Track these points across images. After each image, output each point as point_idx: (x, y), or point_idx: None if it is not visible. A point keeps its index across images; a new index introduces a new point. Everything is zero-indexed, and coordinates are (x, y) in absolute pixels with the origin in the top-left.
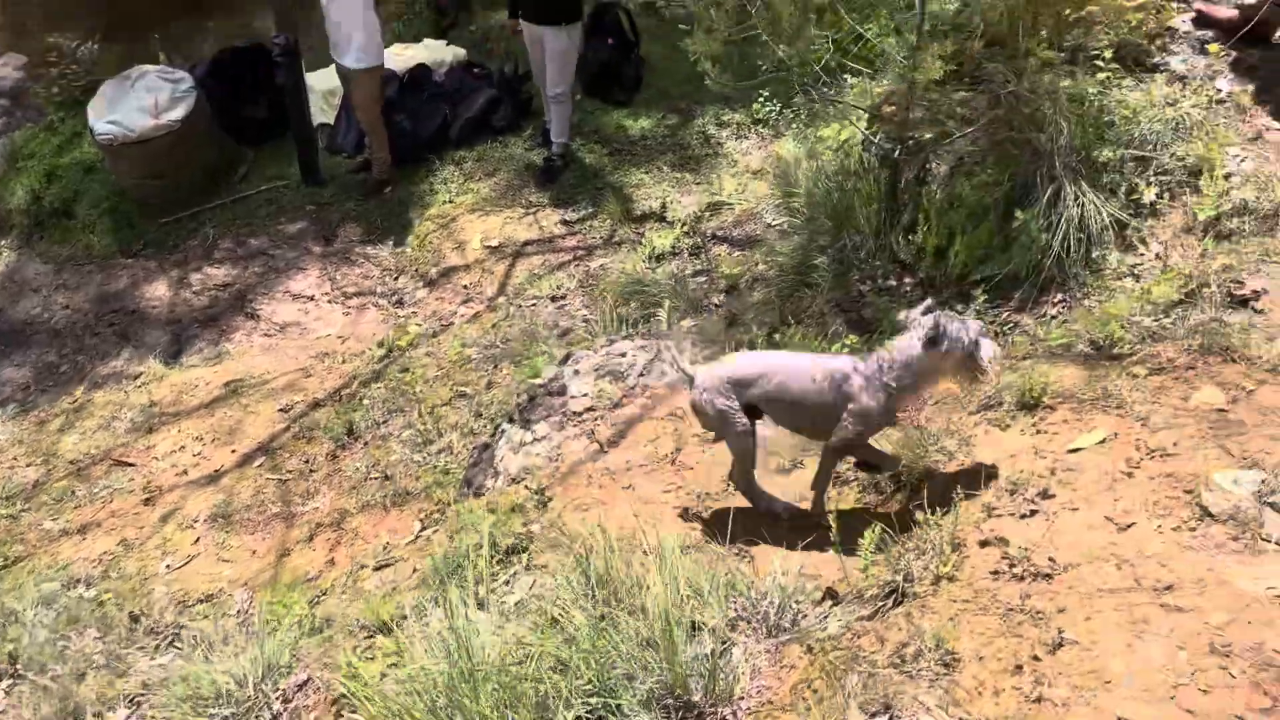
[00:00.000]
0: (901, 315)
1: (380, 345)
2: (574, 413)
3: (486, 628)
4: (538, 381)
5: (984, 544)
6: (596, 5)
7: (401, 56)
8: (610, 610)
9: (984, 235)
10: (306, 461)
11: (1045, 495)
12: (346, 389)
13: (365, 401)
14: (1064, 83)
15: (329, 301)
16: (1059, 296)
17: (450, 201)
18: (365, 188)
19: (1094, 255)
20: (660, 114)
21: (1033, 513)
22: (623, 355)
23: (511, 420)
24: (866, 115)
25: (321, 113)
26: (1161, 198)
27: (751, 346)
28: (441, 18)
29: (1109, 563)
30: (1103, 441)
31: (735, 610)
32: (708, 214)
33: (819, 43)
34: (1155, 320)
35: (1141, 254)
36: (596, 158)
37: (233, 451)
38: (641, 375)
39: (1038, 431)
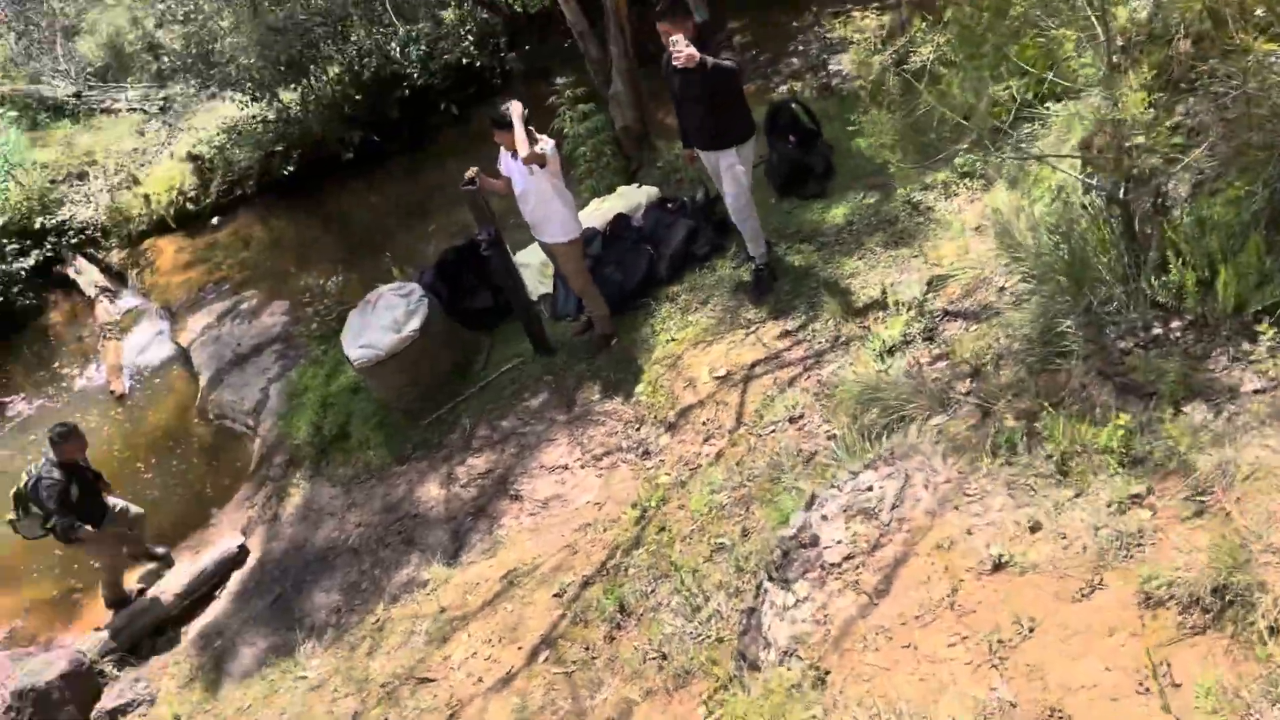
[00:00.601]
0: None
1: (634, 507)
2: (831, 564)
3: None
4: (788, 534)
5: None
6: (770, 106)
7: (599, 210)
8: None
9: (1252, 257)
10: (587, 648)
11: None
12: (611, 560)
13: (630, 571)
14: None
15: (581, 467)
16: None
17: (672, 339)
18: (592, 346)
19: None
20: (859, 195)
21: None
22: (869, 489)
23: (771, 579)
24: (1078, 157)
25: (541, 285)
26: None
27: (1011, 445)
28: (629, 163)
29: None
30: None
31: None
32: (932, 291)
33: (1003, 96)
34: None
35: None
36: (804, 257)
37: (519, 649)
38: (894, 508)
39: None
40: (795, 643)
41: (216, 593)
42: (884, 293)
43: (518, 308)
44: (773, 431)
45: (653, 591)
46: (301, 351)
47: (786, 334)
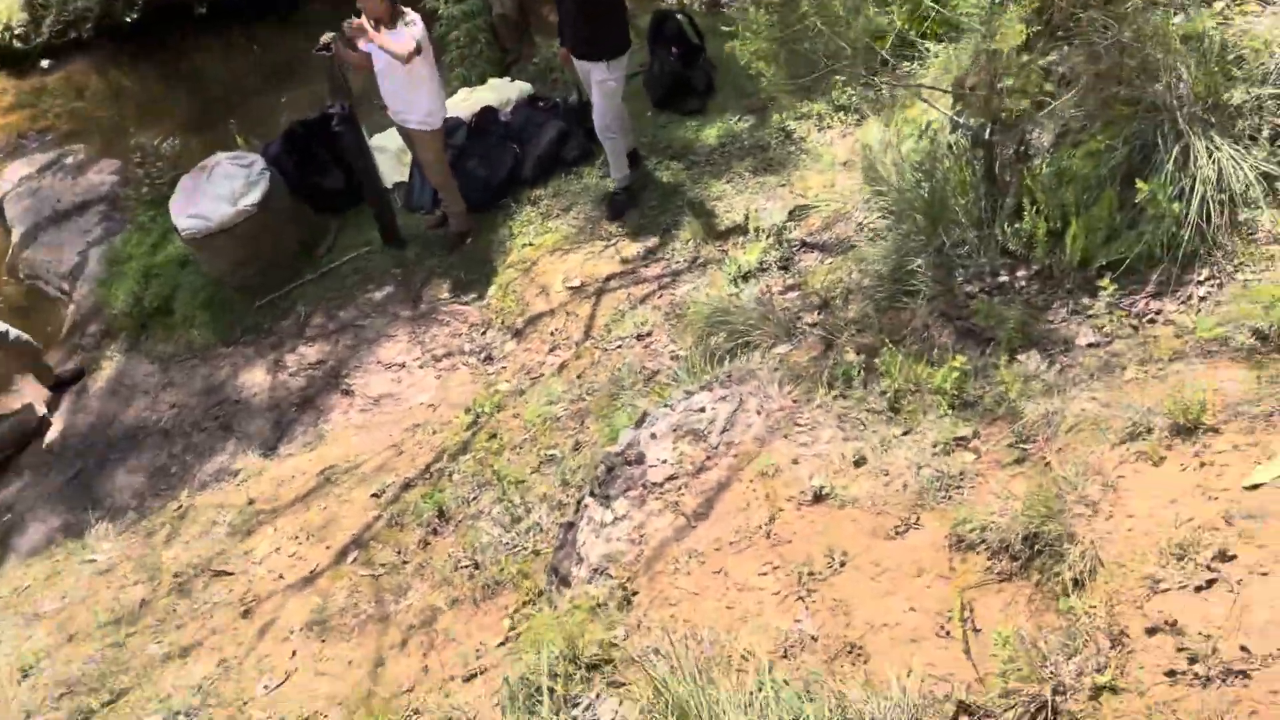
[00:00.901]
0: None
1: (467, 411)
2: (654, 484)
3: None
4: (615, 450)
5: (1152, 632)
6: (655, 14)
7: (468, 101)
8: None
9: (1103, 212)
10: (399, 552)
11: (1224, 556)
12: (436, 464)
13: (455, 477)
14: (1174, 19)
15: (420, 366)
16: (1205, 273)
17: (530, 244)
18: (446, 242)
19: (1241, 219)
20: (735, 117)
21: (1210, 583)
22: (701, 410)
23: (593, 494)
24: (950, 94)
25: (397, 172)
26: None
27: (848, 378)
28: (504, 55)
29: None
30: None
31: None
32: (793, 220)
33: (884, 20)
34: None
35: None
36: (673, 175)
37: (327, 548)
38: (724, 432)
39: (1202, 464)
40: (608, 561)
41: (12, 465)
42: (747, 218)
43: (369, 193)
44: (619, 347)
45: (475, 499)
46: (128, 215)
47: (646, 251)
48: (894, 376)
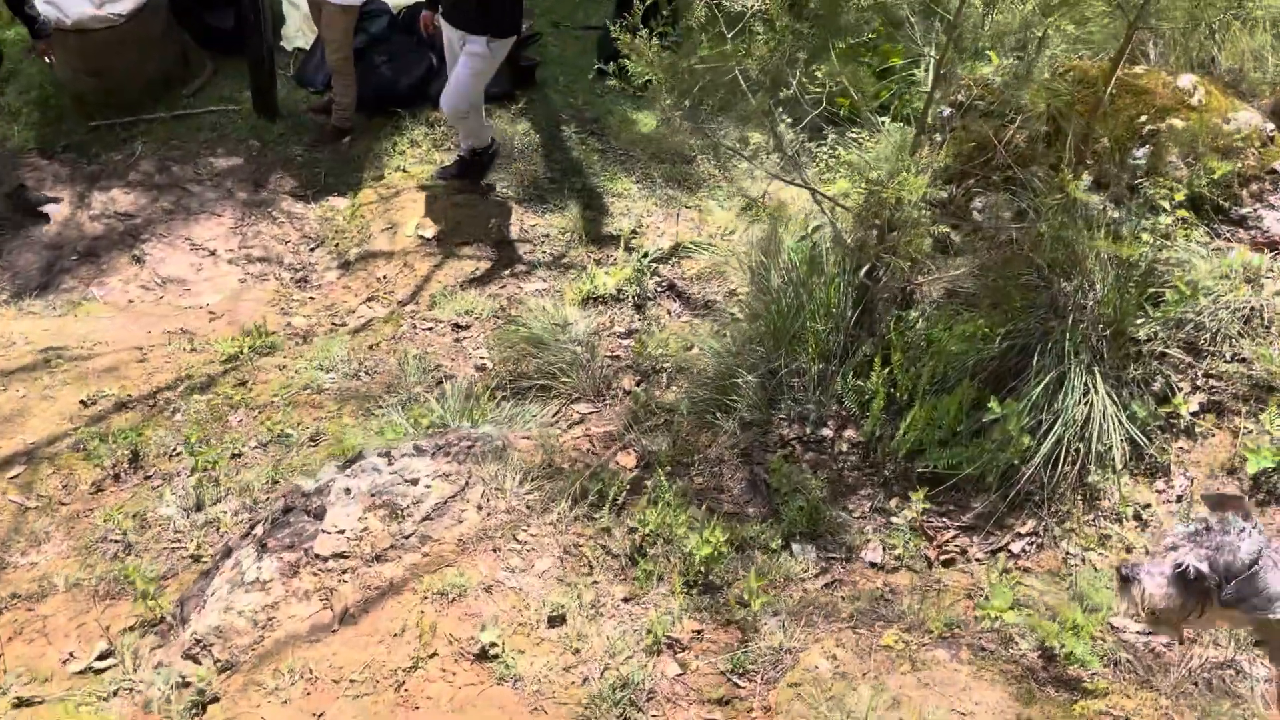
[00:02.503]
0: None
1: (233, 341)
2: (318, 555)
3: None
4: (309, 487)
5: None
6: None
7: None
8: None
9: (951, 409)
10: (65, 487)
11: None
12: (167, 391)
13: (177, 416)
14: (1111, 215)
15: (229, 261)
16: (1030, 526)
17: (404, 170)
18: (321, 133)
19: (1091, 479)
20: (679, 110)
21: None
22: (414, 482)
23: (259, 532)
24: (843, 208)
25: (302, 36)
26: (1205, 414)
27: (601, 497)
28: None
29: None
30: None
31: None
32: (675, 256)
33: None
34: (1144, 632)
35: (1161, 491)
36: (585, 152)
37: None
38: (428, 519)
39: None
40: (216, 635)
41: None
42: (634, 232)
43: (251, 50)
44: (430, 329)
45: (178, 454)
46: None
47: (517, 225)
48: (649, 519)
